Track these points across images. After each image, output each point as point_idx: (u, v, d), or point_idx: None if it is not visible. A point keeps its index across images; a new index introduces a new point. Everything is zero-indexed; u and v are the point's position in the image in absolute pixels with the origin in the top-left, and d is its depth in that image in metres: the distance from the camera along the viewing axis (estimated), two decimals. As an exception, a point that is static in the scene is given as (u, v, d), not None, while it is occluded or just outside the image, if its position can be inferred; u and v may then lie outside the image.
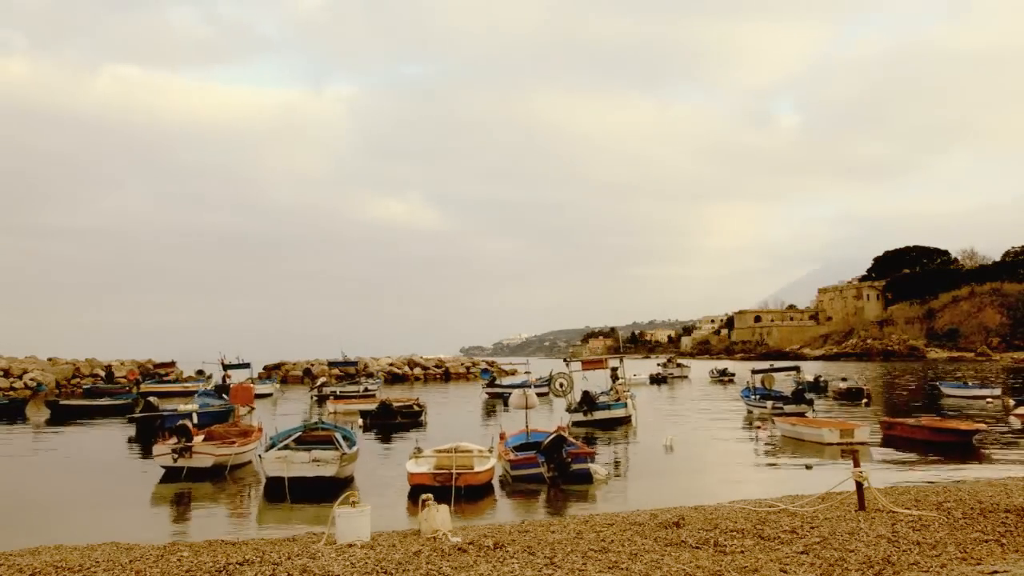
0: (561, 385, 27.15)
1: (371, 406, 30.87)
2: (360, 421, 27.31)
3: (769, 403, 29.99)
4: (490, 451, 16.73)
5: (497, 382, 51.17)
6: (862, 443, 19.72)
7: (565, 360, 35.98)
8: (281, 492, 14.30)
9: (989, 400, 34.81)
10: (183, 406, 31.97)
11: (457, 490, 13.65)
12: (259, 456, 15.81)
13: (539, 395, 30.77)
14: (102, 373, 61.11)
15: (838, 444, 20.46)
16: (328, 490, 14.00)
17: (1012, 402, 27.93)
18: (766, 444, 21.94)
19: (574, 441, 17.26)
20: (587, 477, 15.74)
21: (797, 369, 38.34)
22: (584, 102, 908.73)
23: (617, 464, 18.91)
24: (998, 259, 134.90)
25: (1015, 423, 24.61)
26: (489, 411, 36.49)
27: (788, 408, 28.46)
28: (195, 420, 22.99)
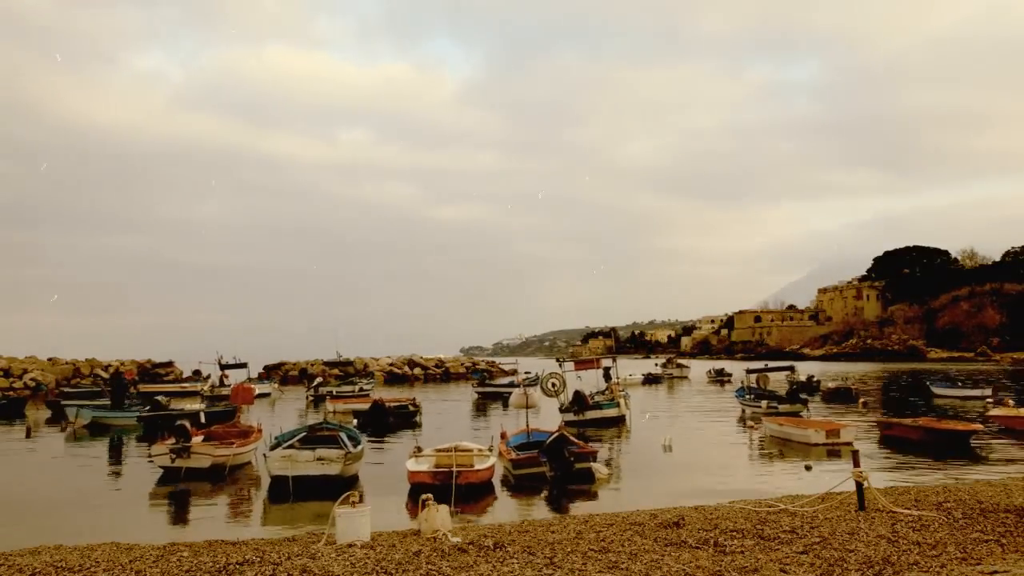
0: (553, 385, 27.14)
1: (365, 406, 30.86)
2: (354, 421, 27.33)
3: (764, 403, 29.99)
4: (490, 450, 16.76)
5: (488, 382, 51.69)
6: (848, 443, 19.72)
7: (558, 360, 36.02)
8: (285, 491, 14.32)
9: (989, 400, 34.83)
10: (190, 405, 32.07)
11: (457, 488, 13.66)
12: (264, 456, 15.83)
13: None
14: (103, 373, 61.14)
15: (824, 445, 20.48)
16: (333, 489, 13.97)
17: (1012, 402, 27.93)
18: (758, 444, 21.96)
19: (576, 440, 17.28)
20: (590, 476, 15.78)
21: (792, 369, 38.38)
22: (580, 90, 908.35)
23: (609, 463, 18.88)
24: (998, 259, 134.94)
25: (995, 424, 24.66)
26: (480, 410, 36.51)
27: (783, 408, 28.46)
28: (203, 420, 23.00)
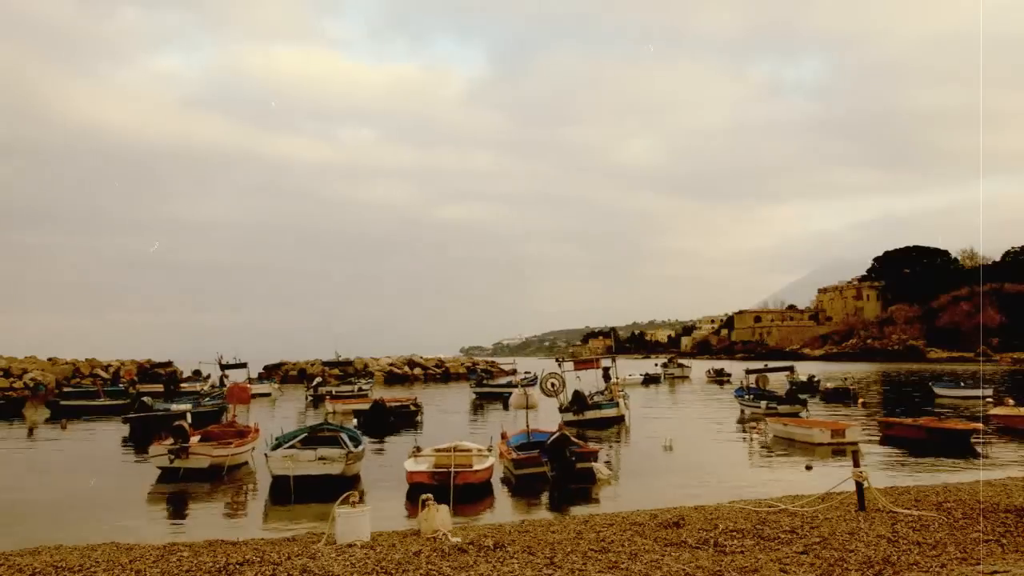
0: (552, 385, 27.13)
1: (366, 406, 30.84)
2: (354, 421, 27.32)
3: (763, 403, 29.98)
4: (489, 450, 16.75)
5: (486, 382, 51.77)
6: (852, 443, 19.72)
7: (558, 360, 36.00)
8: (286, 491, 14.33)
9: (990, 400, 34.84)
10: (176, 406, 32.03)
11: (456, 488, 13.65)
12: (265, 456, 15.84)
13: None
14: (103, 373, 61.13)
15: (829, 444, 20.48)
16: (334, 489, 13.97)
17: (1012, 401, 27.94)
18: (760, 444, 21.96)
19: (577, 440, 17.28)
20: (591, 476, 15.77)
21: (791, 369, 38.36)
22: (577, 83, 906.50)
23: (609, 463, 18.87)
24: (998, 259, 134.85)
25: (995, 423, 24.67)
26: (480, 410, 36.50)
27: (782, 408, 28.46)
28: (189, 420, 22.97)
